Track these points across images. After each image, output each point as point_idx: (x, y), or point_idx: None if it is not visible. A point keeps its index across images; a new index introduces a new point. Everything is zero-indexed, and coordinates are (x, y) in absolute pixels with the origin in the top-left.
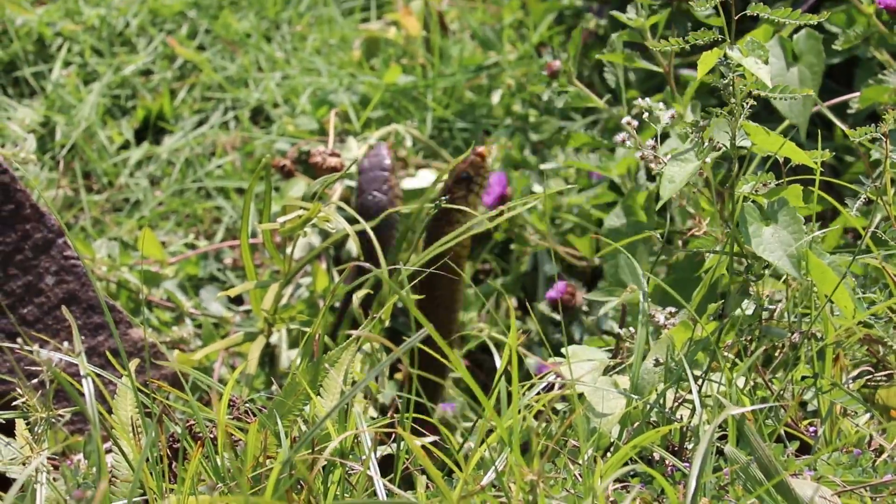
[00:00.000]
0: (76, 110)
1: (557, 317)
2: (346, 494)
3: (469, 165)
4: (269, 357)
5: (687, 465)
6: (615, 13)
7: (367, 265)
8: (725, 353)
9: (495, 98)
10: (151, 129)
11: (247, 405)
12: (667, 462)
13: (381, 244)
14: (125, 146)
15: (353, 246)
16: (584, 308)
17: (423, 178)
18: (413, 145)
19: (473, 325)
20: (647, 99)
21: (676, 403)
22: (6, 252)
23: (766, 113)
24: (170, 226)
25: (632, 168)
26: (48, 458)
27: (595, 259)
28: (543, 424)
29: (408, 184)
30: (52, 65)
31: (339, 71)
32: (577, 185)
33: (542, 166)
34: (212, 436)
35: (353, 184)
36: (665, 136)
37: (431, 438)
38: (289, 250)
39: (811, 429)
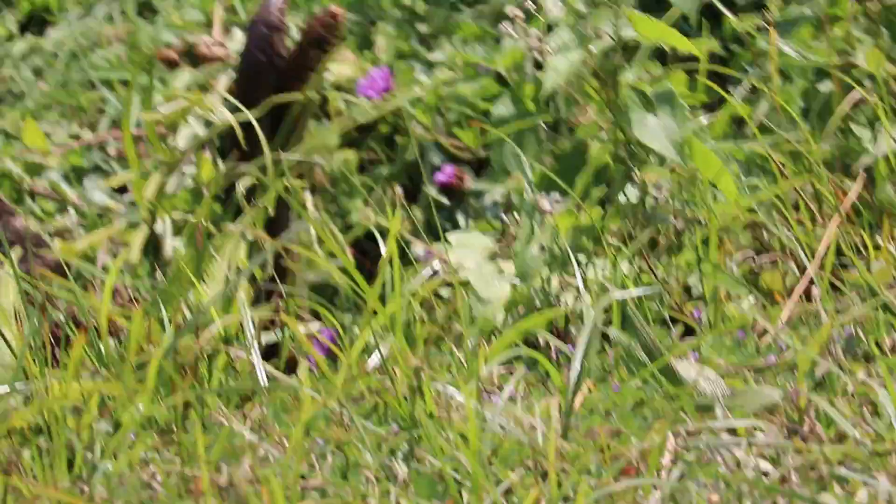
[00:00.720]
0: None
1: (446, 201)
2: (230, 380)
3: (322, 26)
4: (153, 247)
5: (572, 348)
6: None
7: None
8: (610, 240)
9: None
10: (36, 21)
11: (130, 293)
12: (552, 346)
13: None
14: (9, 38)
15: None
16: (473, 194)
17: None
18: None
19: (360, 213)
20: None
21: (561, 289)
22: None
23: (655, 4)
24: (54, 117)
25: (518, 61)
26: None
27: (481, 150)
28: (428, 311)
29: None
30: None
31: None
32: (461, 77)
33: (428, 56)
34: (95, 323)
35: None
36: (552, 27)
37: (317, 325)
38: (173, 141)
39: (695, 313)
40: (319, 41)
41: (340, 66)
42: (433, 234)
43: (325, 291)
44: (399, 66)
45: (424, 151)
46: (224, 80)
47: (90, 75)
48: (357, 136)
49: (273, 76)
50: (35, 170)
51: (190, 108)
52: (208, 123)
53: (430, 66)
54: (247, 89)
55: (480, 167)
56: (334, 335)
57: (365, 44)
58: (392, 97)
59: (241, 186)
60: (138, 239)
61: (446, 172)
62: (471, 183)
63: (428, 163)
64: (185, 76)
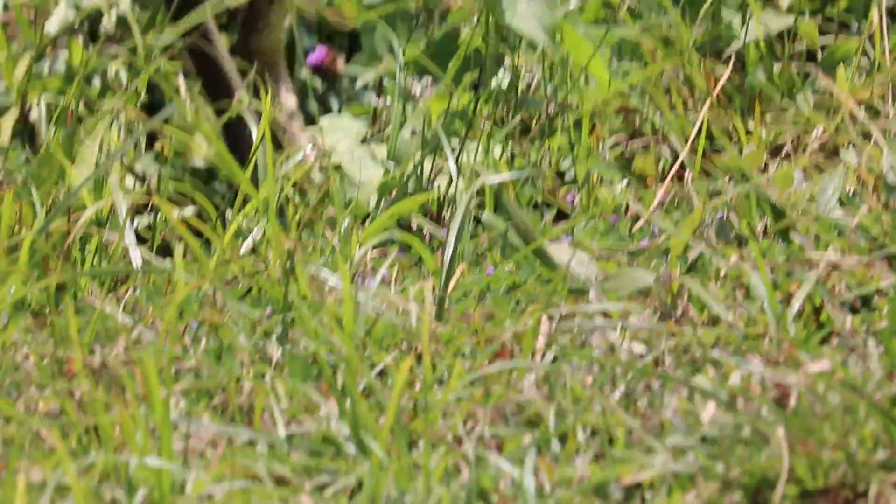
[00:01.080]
0: None
1: (319, 84)
2: (103, 263)
3: None
4: (26, 131)
5: (445, 232)
6: None
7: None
8: (483, 124)
9: None
10: None
11: (1, 177)
12: (425, 230)
13: None
14: None
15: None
16: (345, 77)
17: None
18: None
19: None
20: None
21: (434, 173)
22: None
23: None
24: None
25: None
26: None
27: (357, 24)
28: (301, 194)
29: None
30: None
31: None
32: None
33: None
34: None
35: None
36: None
37: (191, 209)
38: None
39: (569, 197)
40: None
41: None
42: (305, 117)
43: (199, 175)
44: None
45: (300, 27)
46: None
47: None
48: (227, 18)
49: None
50: None
51: None
52: (78, 7)
53: None
54: None
55: (352, 49)
56: (207, 218)
57: None
58: None
59: (114, 69)
60: (8, 122)
61: (318, 54)
62: (341, 65)
63: (301, 43)
64: None
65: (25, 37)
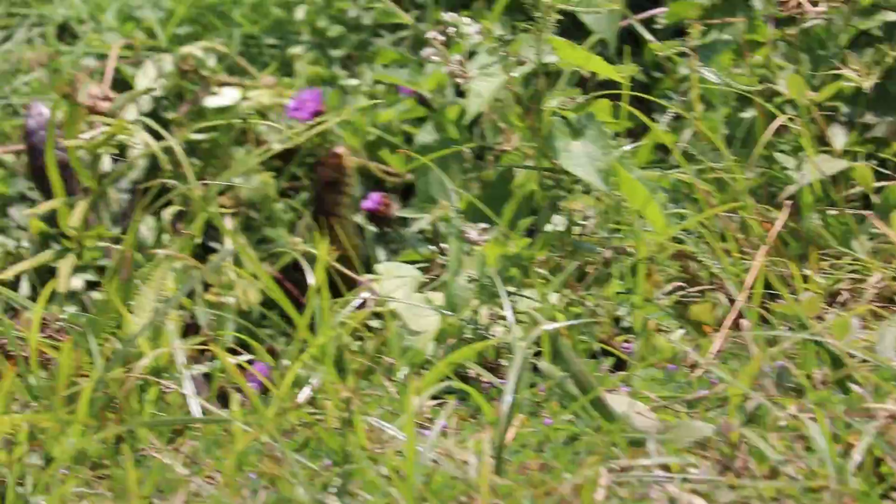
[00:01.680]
0: None
1: (374, 228)
2: (161, 413)
3: (332, 169)
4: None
5: (503, 381)
6: None
7: (173, 183)
8: (538, 270)
9: (300, 14)
10: None
11: (59, 323)
12: (482, 379)
13: None
14: None
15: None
16: (399, 222)
17: (228, 96)
18: (221, 61)
19: (285, 242)
20: (454, 15)
21: (491, 320)
22: None
23: (575, 30)
24: None
25: (442, 84)
26: None
27: (407, 175)
28: (358, 342)
29: (212, 102)
30: None
31: None
32: (386, 101)
33: (351, 81)
34: (25, 355)
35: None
36: (474, 53)
37: (247, 357)
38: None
39: (626, 345)
40: (335, 184)
41: (260, 91)
42: (362, 263)
43: (253, 319)
44: (325, 91)
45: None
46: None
47: (12, 101)
48: (281, 163)
49: None
50: None
51: (113, 134)
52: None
53: (345, 92)
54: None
55: (407, 193)
56: (265, 366)
57: (283, 69)
58: (320, 121)
59: (167, 214)
60: (65, 269)
61: (373, 199)
62: (396, 209)
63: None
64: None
65: (80, 178)
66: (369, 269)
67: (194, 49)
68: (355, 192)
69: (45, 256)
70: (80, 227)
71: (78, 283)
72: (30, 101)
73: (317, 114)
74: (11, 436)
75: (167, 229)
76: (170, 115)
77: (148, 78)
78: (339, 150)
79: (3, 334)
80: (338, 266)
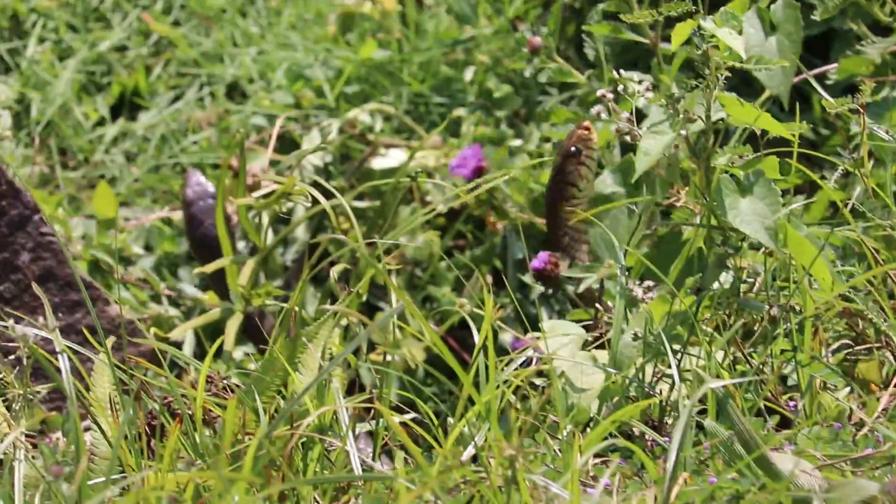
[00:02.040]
0: (51, 87)
1: (541, 288)
2: (325, 471)
3: (577, 139)
4: (248, 333)
5: (667, 439)
6: None
7: (343, 238)
8: (704, 327)
9: (468, 75)
10: (127, 106)
11: (225, 381)
12: (647, 437)
13: None
14: (101, 123)
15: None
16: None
17: (394, 158)
18: (388, 120)
19: (449, 301)
20: (629, 73)
21: (655, 378)
22: None
23: (745, 86)
24: (146, 203)
25: (611, 142)
26: (26, 436)
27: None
28: (522, 400)
29: (378, 163)
30: (27, 41)
31: (314, 46)
32: (551, 159)
33: (517, 142)
34: (190, 412)
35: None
36: (643, 111)
37: (411, 415)
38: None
39: (791, 403)
40: (577, 155)
41: (428, 151)
42: (526, 319)
43: (418, 377)
44: (489, 148)
45: (512, 234)
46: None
47: (181, 160)
48: (446, 221)
49: None
50: (128, 258)
51: (284, 193)
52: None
53: (511, 153)
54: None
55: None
56: (428, 423)
57: (450, 127)
58: (484, 176)
59: (335, 272)
60: (233, 327)
61: (541, 259)
62: (564, 268)
63: (515, 245)
64: (261, 159)
65: (249, 237)
66: (535, 327)
67: (361, 114)
68: (592, 176)
69: (212, 315)
70: (248, 285)
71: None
72: (189, 169)
73: (478, 170)
74: (177, 494)
75: (334, 288)
76: (336, 175)
77: (315, 143)
78: (587, 123)
79: (169, 392)
80: (503, 326)
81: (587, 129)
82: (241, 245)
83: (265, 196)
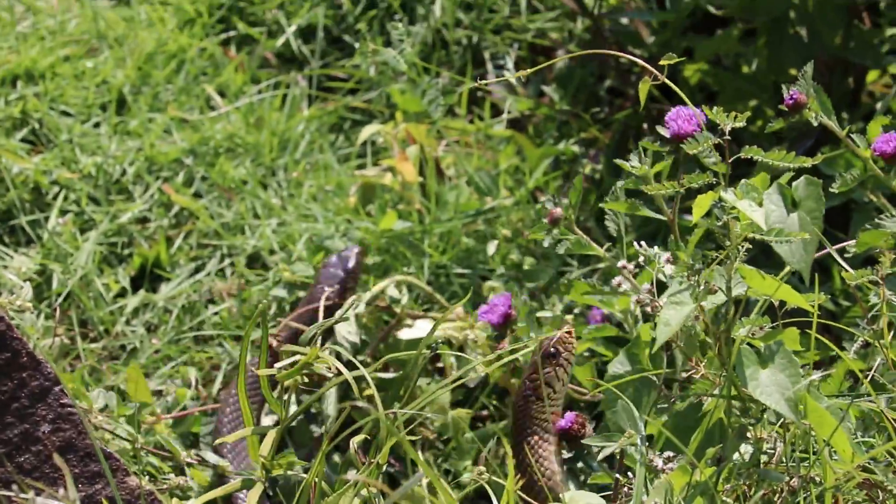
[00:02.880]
0: (72, 258)
1: (565, 451)
2: None
3: (557, 341)
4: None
5: None
6: (619, 161)
7: (364, 406)
8: (724, 498)
9: (491, 249)
10: (148, 277)
11: None
12: None
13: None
14: (122, 294)
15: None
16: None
17: (420, 329)
18: (410, 291)
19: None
20: (650, 247)
21: None
22: (2, 401)
23: (764, 258)
24: (168, 373)
25: (632, 310)
26: None
27: (596, 394)
28: None
29: (405, 335)
30: (48, 213)
31: (335, 217)
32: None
33: (540, 314)
34: None
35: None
36: (663, 283)
37: None
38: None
39: None
40: (554, 356)
41: (453, 323)
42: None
43: None
44: (516, 302)
45: None
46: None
47: (202, 331)
48: (465, 390)
49: None
50: (149, 430)
51: (306, 364)
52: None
53: (541, 324)
54: None
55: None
56: None
57: (473, 297)
58: (510, 349)
59: (354, 442)
60: (254, 497)
61: (568, 419)
62: (590, 430)
63: None
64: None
65: (272, 409)
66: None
67: (389, 288)
68: (567, 379)
69: (233, 486)
70: (269, 456)
71: None
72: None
73: (506, 317)
74: None
75: (353, 458)
76: (363, 348)
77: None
78: (571, 327)
79: None
80: (524, 496)
81: (569, 332)
82: (267, 420)
83: (289, 367)
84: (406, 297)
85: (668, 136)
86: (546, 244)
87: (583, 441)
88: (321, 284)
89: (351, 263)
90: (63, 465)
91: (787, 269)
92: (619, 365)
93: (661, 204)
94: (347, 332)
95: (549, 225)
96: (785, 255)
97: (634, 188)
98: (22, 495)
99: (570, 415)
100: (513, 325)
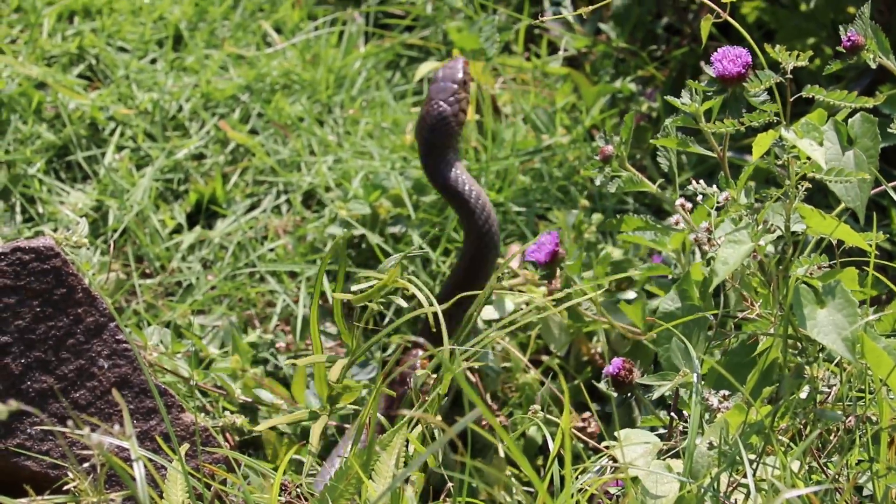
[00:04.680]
0: (129, 195)
1: (615, 394)
2: None
3: (465, 68)
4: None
5: None
6: (669, 98)
7: (423, 342)
8: (780, 437)
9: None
10: (204, 214)
11: (298, 489)
12: None
13: (434, 162)
14: (177, 230)
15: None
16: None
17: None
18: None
19: (524, 409)
20: (701, 182)
21: (731, 487)
22: (58, 336)
23: (820, 196)
24: (222, 310)
25: (687, 244)
26: None
27: (649, 333)
28: None
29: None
30: (104, 149)
31: (391, 155)
32: (634, 258)
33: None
34: None
35: None
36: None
37: None
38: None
39: None
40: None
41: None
42: (603, 427)
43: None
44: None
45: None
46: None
47: (258, 268)
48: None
49: None
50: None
51: (384, 286)
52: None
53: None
54: None
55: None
56: None
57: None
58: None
59: (414, 380)
60: (318, 430)
61: (616, 364)
62: (638, 374)
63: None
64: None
65: (342, 336)
66: (610, 435)
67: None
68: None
69: (299, 416)
70: (336, 385)
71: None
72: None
73: (553, 255)
74: None
75: (414, 394)
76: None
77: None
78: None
79: (243, 499)
80: (579, 435)
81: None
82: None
83: (364, 290)
84: None
85: (713, 75)
86: (598, 182)
87: (637, 381)
88: (434, 100)
89: (460, 74)
90: (121, 399)
91: (841, 206)
92: (669, 302)
93: (713, 141)
94: None
95: (600, 162)
96: (840, 193)
97: (687, 126)
98: (77, 431)
99: (617, 360)
100: (560, 262)
